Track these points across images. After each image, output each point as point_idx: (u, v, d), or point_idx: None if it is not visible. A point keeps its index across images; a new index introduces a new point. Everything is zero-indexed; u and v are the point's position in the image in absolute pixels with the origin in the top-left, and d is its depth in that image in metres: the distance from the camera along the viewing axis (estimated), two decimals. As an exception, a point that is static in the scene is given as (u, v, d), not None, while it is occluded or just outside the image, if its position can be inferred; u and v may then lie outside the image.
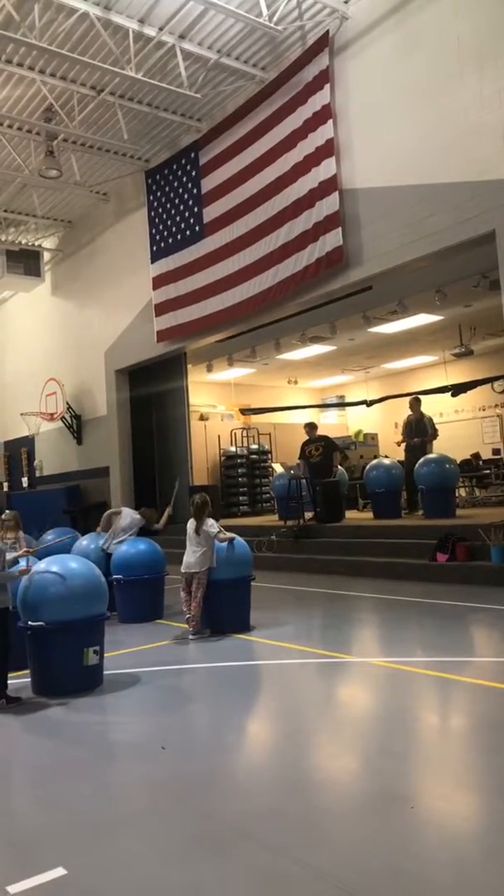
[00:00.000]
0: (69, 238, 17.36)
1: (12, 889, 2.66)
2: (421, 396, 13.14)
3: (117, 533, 8.49)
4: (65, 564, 5.51)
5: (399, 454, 13.07)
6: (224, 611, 6.98)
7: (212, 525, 7.00)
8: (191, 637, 6.83)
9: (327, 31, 10.80)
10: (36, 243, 17.35)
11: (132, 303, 15.13)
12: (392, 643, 6.51)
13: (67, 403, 16.62)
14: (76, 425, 16.80)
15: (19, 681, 5.50)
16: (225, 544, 6.96)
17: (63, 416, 16.64)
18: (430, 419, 12.71)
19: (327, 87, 10.81)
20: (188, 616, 6.96)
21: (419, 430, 12.54)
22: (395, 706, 4.68)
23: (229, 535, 7.06)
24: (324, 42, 10.85)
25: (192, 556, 6.96)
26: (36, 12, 9.70)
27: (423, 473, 11.21)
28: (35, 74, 11.22)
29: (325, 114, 10.87)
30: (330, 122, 10.79)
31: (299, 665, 5.85)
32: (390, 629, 7.06)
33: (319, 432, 13.18)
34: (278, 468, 15.26)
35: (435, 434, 12.53)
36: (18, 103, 12.00)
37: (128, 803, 3.48)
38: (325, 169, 10.86)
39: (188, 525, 7.10)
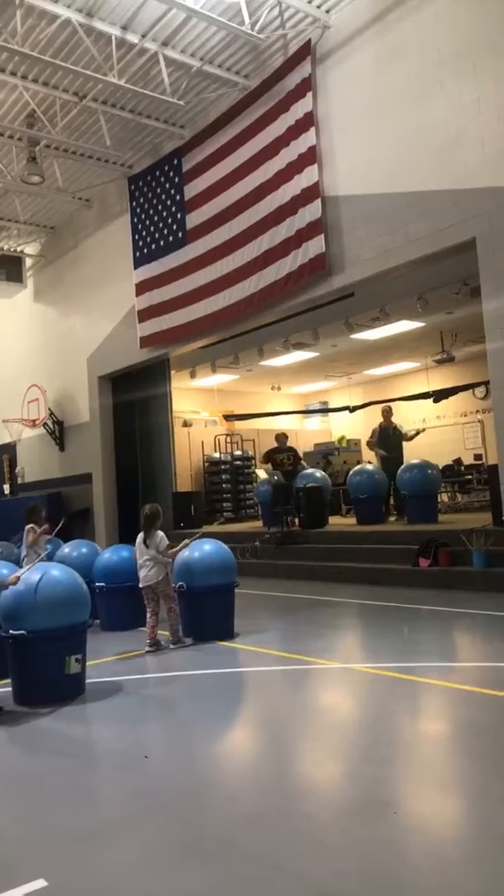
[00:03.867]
0: (52, 244, 17.30)
1: (-8, 902, 2.63)
2: (400, 403, 13.37)
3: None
4: (46, 572, 5.47)
5: (371, 455, 13.39)
6: (207, 618, 6.96)
7: (161, 538, 6.87)
8: (171, 647, 6.75)
9: (309, 40, 10.88)
10: (18, 249, 17.26)
11: (115, 309, 15.09)
12: (375, 649, 6.52)
13: (49, 410, 16.52)
14: (58, 432, 16.71)
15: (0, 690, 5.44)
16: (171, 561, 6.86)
17: (45, 423, 16.54)
18: (402, 430, 13.04)
19: (309, 95, 10.88)
20: (148, 634, 6.79)
21: (394, 440, 12.72)
22: (378, 712, 4.69)
23: (175, 551, 6.88)
24: (306, 50, 10.92)
25: (145, 569, 6.85)
26: (18, 18, 9.67)
27: (406, 479, 11.26)
28: (17, 80, 11.19)
29: (307, 121, 10.93)
30: (312, 129, 10.85)
31: (283, 672, 5.84)
32: (373, 635, 7.07)
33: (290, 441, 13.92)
34: (262, 474, 15.27)
35: (407, 435, 12.97)
36: (0, 109, 11.95)
37: (110, 813, 3.45)
38: (308, 176, 10.91)
39: (138, 537, 6.99)
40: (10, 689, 5.38)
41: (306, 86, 10.93)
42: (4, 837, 3.32)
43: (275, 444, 13.69)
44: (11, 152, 13.19)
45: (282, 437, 13.82)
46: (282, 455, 13.33)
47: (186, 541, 7.02)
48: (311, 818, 3.19)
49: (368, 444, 13.64)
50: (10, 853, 3.10)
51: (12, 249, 17.12)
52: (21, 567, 6.71)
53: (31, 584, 5.26)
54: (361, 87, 10.35)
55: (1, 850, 3.15)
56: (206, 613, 6.95)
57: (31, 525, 7.55)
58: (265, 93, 11.62)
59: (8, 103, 11.83)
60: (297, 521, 12.24)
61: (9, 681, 5.40)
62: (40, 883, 2.73)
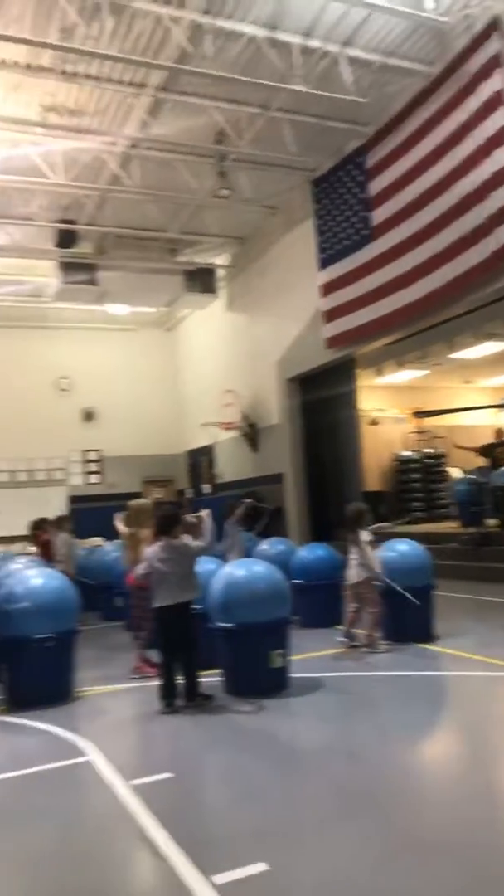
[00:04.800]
0: (240, 254, 17.99)
1: (218, 880, 2.82)
2: None
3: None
4: (249, 568, 5.73)
5: None
6: (407, 619, 6.87)
7: (365, 536, 6.86)
8: (363, 650, 6.73)
9: (496, 16, 10.31)
10: (210, 262, 18.15)
11: (302, 312, 15.35)
12: None
13: (243, 413, 17.20)
14: (251, 433, 17.33)
15: (207, 679, 5.77)
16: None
17: (239, 426, 17.25)
18: None
19: (497, 73, 10.32)
20: (344, 631, 6.86)
21: None
22: None
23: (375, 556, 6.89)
24: (492, 27, 10.36)
25: (350, 568, 6.90)
26: (207, 43, 10.19)
27: None
28: (207, 101, 11.78)
29: (495, 102, 10.38)
30: (501, 109, 10.29)
31: (488, 678, 5.62)
32: None
33: None
34: (455, 472, 14.77)
35: None
36: (193, 131, 12.64)
37: (322, 807, 3.54)
38: (497, 160, 10.35)
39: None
40: (219, 678, 5.69)
41: (493, 64, 10.37)
42: (224, 821, 3.55)
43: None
44: (203, 170, 13.89)
45: (500, 432, 13.93)
46: (502, 449, 13.26)
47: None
48: (529, 833, 3.07)
49: None
50: (231, 836, 3.30)
51: (205, 263, 18.02)
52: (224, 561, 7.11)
53: (236, 580, 5.54)
54: None
55: (220, 833, 3.36)
56: (405, 615, 6.86)
57: (234, 518, 7.94)
58: (449, 77, 11.20)
59: (199, 126, 12.48)
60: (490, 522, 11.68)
61: (218, 670, 5.72)
62: (262, 866, 2.88)
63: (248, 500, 9.46)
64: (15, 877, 3.12)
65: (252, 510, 9.37)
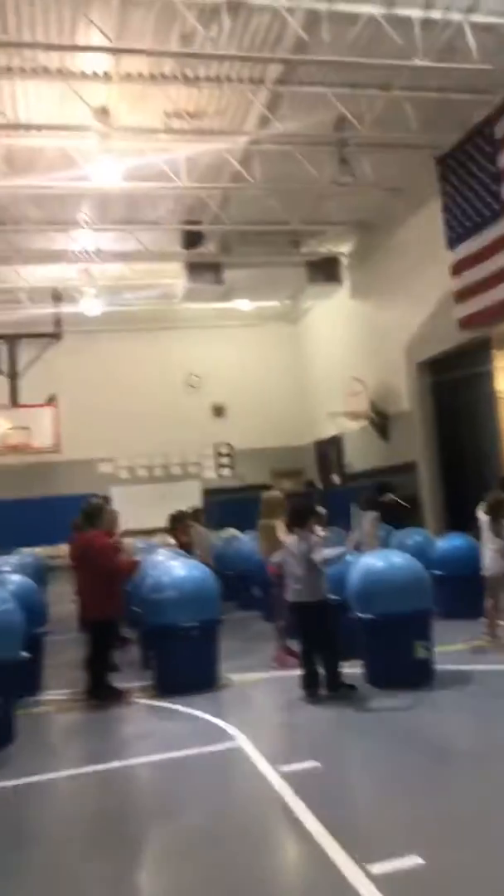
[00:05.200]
0: (364, 240, 17.69)
1: (373, 870, 2.82)
2: None
3: None
4: (388, 559, 5.66)
5: None
6: None
7: None
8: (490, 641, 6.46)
9: None
10: (333, 251, 18.00)
11: (431, 293, 14.87)
12: None
13: (371, 401, 16.95)
14: (380, 422, 17.05)
15: (349, 670, 5.76)
16: None
17: (368, 414, 17.01)
18: None
19: None
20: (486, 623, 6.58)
21: None
22: None
23: None
24: None
25: (487, 558, 6.59)
26: (324, 29, 10.06)
27: None
28: (326, 88, 11.65)
29: None
30: None
31: None
32: None
33: None
34: None
35: None
36: (312, 120, 12.55)
37: (473, 803, 3.45)
38: None
39: (483, 520, 6.72)
40: (360, 669, 5.66)
41: None
42: (374, 812, 3.54)
43: None
44: (323, 158, 13.77)
45: None
46: None
47: None
48: None
49: None
50: (383, 827, 3.29)
51: (329, 252, 17.90)
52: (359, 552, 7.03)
53: (376, 570, 5.48)
54: None
55: (373, 824, 3.36)
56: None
57: (375, 513, 7.87)
58: None
59: (319, 115, 12.37)
60: None
61: (359, 660, 5.68)
62: (416, 859, 2.85)
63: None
64: (172, 856, 3.27)
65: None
